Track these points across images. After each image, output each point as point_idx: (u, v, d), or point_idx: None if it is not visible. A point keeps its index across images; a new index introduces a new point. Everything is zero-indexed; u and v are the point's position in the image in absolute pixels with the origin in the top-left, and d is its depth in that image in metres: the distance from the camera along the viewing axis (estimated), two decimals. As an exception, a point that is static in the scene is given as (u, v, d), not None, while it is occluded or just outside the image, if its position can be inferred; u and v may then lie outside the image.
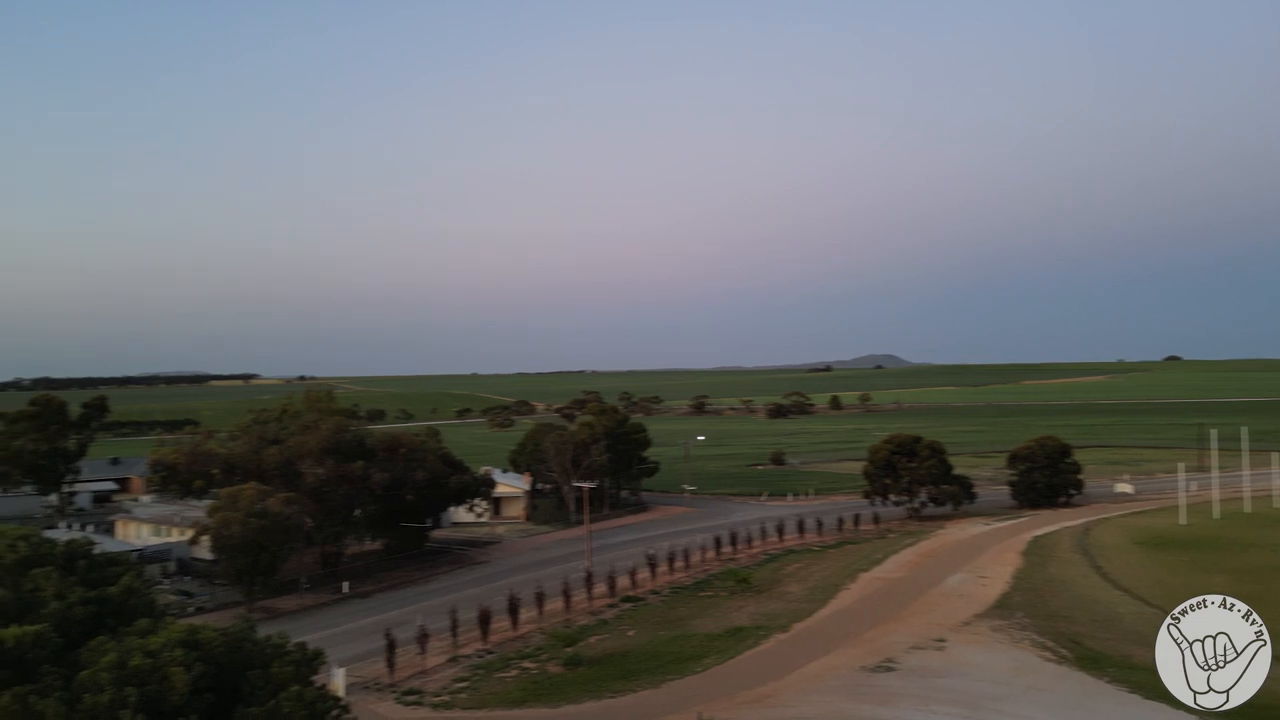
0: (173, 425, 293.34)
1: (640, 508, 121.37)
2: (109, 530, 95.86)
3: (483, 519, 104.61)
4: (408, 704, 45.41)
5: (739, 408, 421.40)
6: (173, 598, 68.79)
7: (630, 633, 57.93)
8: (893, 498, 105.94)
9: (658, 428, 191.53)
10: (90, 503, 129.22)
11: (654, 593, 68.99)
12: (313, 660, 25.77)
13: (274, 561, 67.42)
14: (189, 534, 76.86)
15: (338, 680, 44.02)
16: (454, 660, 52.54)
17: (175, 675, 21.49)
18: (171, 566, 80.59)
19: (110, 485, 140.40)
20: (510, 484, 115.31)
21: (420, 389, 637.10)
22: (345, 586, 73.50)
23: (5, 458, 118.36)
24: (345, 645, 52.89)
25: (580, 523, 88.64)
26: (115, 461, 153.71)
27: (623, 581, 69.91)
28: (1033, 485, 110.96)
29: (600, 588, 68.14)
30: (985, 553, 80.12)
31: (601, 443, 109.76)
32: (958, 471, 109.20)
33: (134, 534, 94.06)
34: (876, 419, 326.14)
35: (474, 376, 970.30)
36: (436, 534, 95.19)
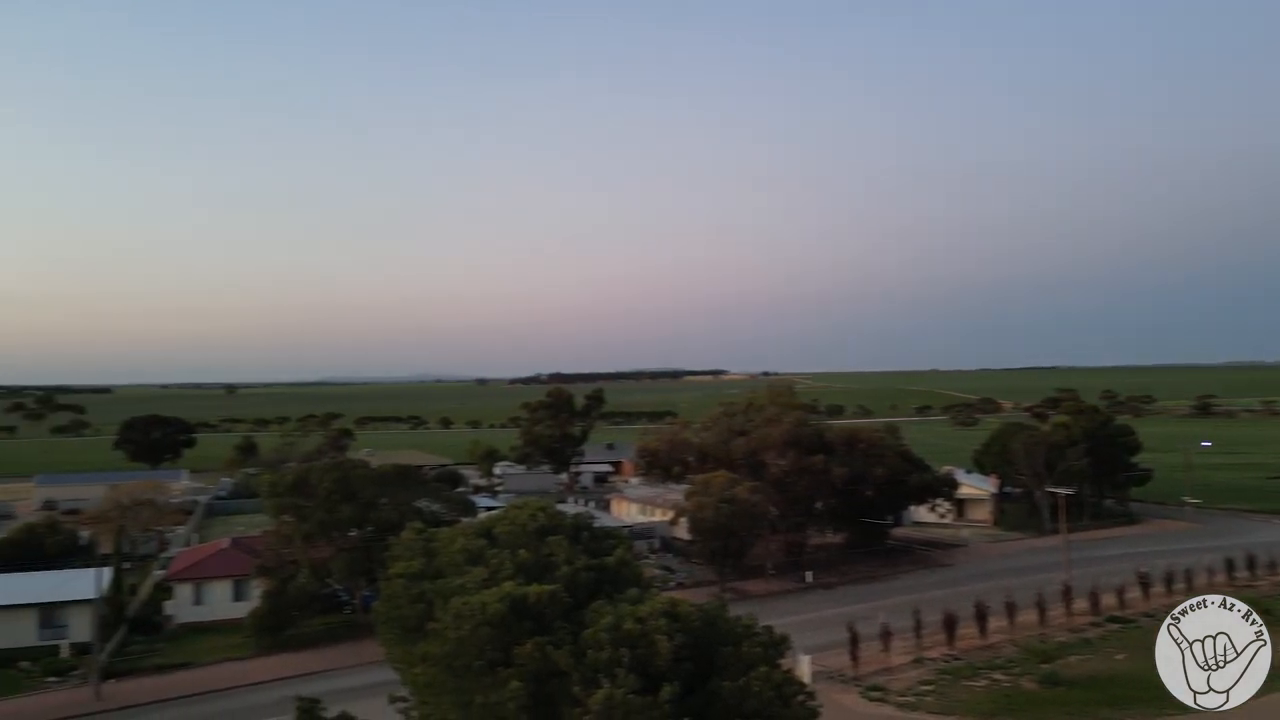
0: (655, 416, 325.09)
1: (1128, 519, 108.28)
2: (605, 507, 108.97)
3: (945, 520, 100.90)
4: (872, 699, 45.25)
5: (1258, 409, 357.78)
6: (656, 572, 76.14)
7: (1119, 656, 51.88)
8: None
9: (1150, 430, 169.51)
10: (592, 482, 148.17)
11: (1147, 615, 60.95)
12: (779, 644, 26.69)
13: (742, 546, 71.42)
14: (669, 515, 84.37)
15: (803, 666, 45.31)
16: (918, 661, 51.30)
17: (660, 642, 23.56)
18: (655, 543, 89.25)
19: (606, 468, 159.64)
20: (974, 485, 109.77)
21: (878, 385, 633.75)
22: (809, 576, 75.47)
23: (529, 441, 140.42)
24: (808, 633, 54.19)
25: (1055, 531, 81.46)
26: (610, 447, 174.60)
27: (1108, 600, 62.88)
28: None
29: (1080, 604, 62.00)
30: None
31: (1079, 446, 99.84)
32: None
33: (625, 512, 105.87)
34: None
35: (933, 373, 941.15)
36: (897, 532, 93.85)
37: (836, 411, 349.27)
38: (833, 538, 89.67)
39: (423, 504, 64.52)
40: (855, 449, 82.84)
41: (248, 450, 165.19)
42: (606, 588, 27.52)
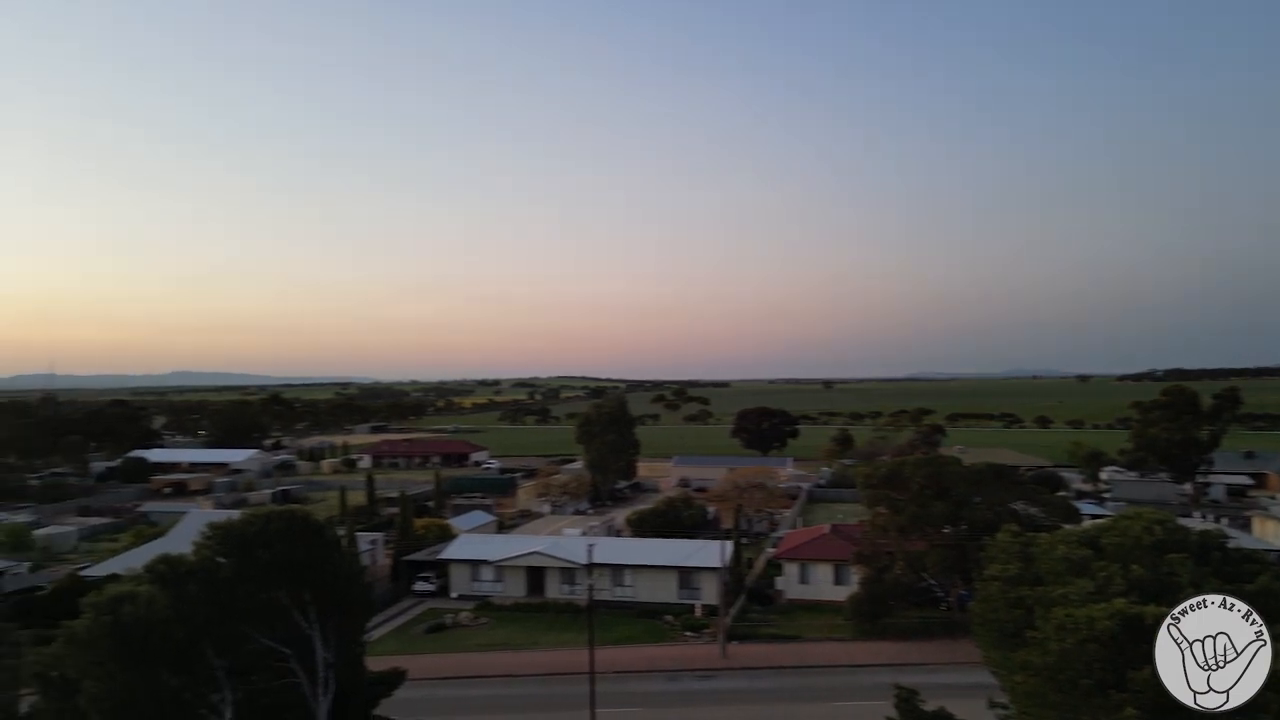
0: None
1: None
2: (1244, 525, 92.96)
3: None
4: None
5: None
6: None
7: None
8: None
9: None
10: (1224, 495, 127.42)
11: None
12: None
13: None
14: (1336, 542, 68.85)
15: None
16: None
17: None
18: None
19: (1244, 479, 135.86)
20: None
21: None
22: None
23: (1141, 444, 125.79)
24: None
25: None
26: (1249, 455, 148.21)
27: None
28: None
29: None
30: None
31: None
32: None
33: (1271, 532, 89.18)
34: None
35: None
36: None
37: None
38: None
39: (1018, 506, 61.81)
40: None
41: (844, 442, 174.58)
42: (1248, 619, 23.53)
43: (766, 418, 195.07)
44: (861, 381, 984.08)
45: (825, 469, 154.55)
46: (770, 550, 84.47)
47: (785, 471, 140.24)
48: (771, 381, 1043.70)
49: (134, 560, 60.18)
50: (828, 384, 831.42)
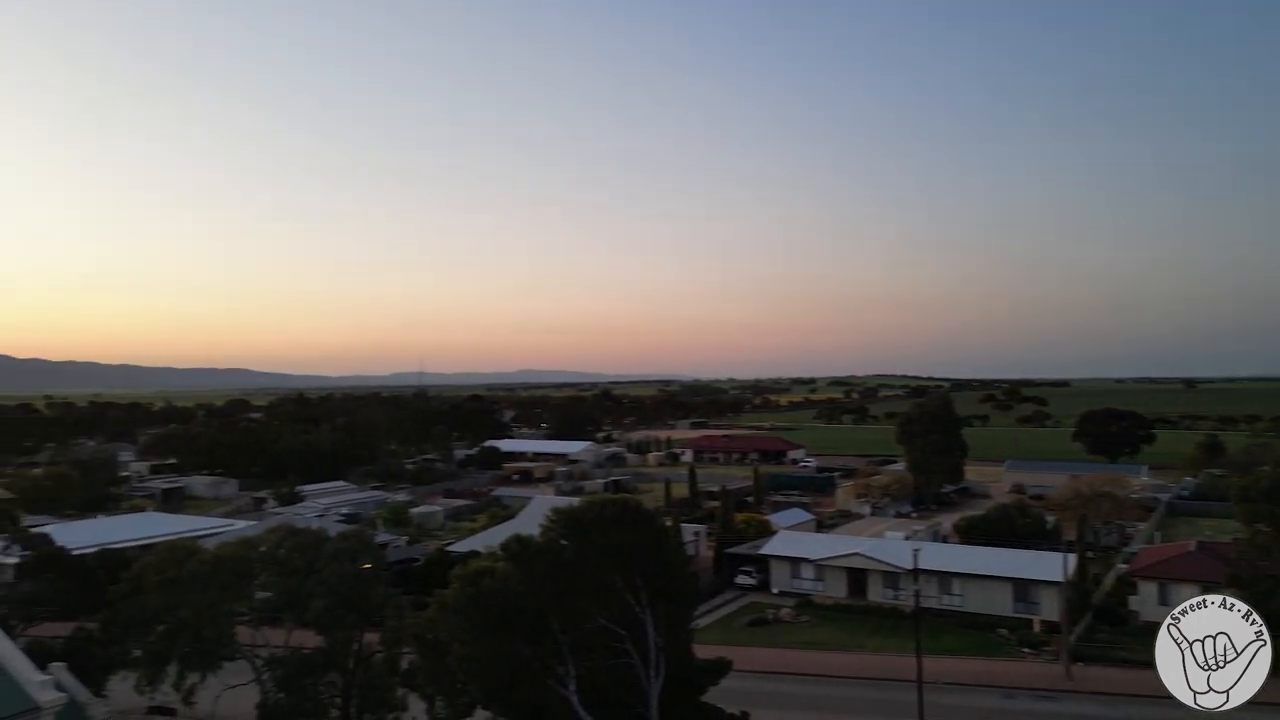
0: None
1: None
2: None
3: None
4: None
5: None
6: None
7: None
8: None
9: None
10: None
11: None
12: None
13: None
14: None
15: None
16: None
17: None
18: None
19: None
20: None
21: None
22: None
23: None
24: None
25: None
26: None
27: None
28: None
29: None
30: None
31: None
32: None
33: None
34: None
35: None
36: None
37: None
38: None
39: None
40: None
41: (1212, 449, 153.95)
42: None
43: (1115, 420, 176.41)
44: (1231, 381, 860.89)
45: (1189, 479, 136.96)
46: (1122, 566, 76.36)
47: (1139, 480, 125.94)
48: (1120, 380, 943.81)
49: (490, 539, 67.05)
50: (1189, 383, 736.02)
